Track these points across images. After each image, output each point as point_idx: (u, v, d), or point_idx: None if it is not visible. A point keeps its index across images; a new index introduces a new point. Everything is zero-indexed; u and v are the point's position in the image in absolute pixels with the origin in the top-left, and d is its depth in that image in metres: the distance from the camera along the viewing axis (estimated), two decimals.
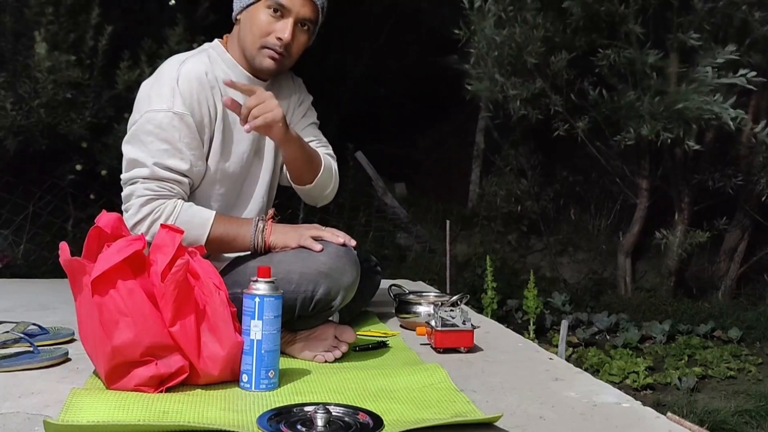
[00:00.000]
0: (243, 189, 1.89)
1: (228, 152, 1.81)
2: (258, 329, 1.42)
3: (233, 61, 1.82)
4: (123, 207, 1.72)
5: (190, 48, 2.21)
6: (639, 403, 1.47)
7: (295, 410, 1.29)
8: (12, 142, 3.82)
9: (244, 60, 1.81)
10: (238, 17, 1.81)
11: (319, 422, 1.22)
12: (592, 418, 1.37)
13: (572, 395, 1.51)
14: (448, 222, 3.86)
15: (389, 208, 5.89)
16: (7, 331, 1.72)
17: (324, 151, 1.98)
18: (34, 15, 3.78)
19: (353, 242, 1.75)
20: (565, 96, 4.58)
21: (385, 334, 2.02)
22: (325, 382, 1.52)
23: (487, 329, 2.16)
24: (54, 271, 3.49)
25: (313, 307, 1.64)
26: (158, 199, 1.68)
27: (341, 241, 1.72)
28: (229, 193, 1.85)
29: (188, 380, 1.43)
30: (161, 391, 1.39)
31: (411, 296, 2.21)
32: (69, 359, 1.63)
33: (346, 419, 1.26)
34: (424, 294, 2.27)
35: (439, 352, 1.83)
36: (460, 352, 1.83)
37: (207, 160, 1.78)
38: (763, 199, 4.47)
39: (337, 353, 1.71)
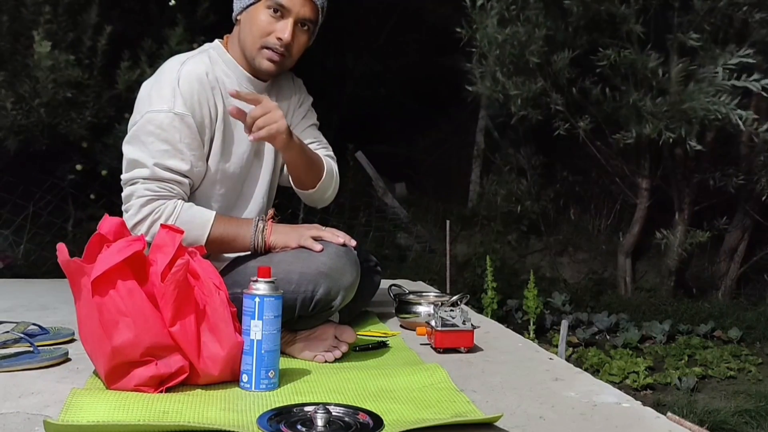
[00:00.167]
0: (243, 189, 1.89)
1: (228, 153, 1.81)
2: (258, 329, 1.42)
3: (233, 61, 1.82)
4: (123, 207, 1.72)
5: (190, 48, 2.21)
6: (639, 403, 1.47)
7: (295, 410, 1.29)
8: (12, 142, 3.83)
9: (244, 60, 1.81)
10: (238, 18, 1.81)
11: (319, 422, 1.22)
12: (592, 418, 1.37)
13: (572, 395, 1.51)
14: (448, 222, 3.86)
15: (389, 208, 5.89)
16: (7, 331, 1.72)
17: (324, 153, 1.98)
18: (32, 14, 3.78)
19: (353, 242, 1.75)
20: (566, 95, 4.58)
21: (385, 334, 2.02)
22: (325, 382, 1.52)
23: (487, 329, 2.16)
24: (54, 271, 3.49)
25: (313, 307, 1.64)
26: (158, 199, 1.68)
27: (341, 241, 1.72)
28: (229, 193, 1.85)
29: (188, 380, 1.43)
30: (161, 391, 1.39)
31: (411, 296, 2.21)
32: (69, 359, 1.63)
33: (346, 419, 1.26)
34: (424, 294, 2.27)
35: (439, 352, 1.83)
36: (460, 352, 1.83)
37: (207, 160, 1.78)
38: (764, 198, 4.47)
39: (337, 353, 1.71)
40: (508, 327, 2.33)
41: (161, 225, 1.51)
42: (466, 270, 5.00)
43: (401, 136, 6.79)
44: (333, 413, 1.26)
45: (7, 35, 3.81)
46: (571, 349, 3.83)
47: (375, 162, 6.01)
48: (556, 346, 3.53)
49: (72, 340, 1.81)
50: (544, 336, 4.12)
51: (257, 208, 1.91)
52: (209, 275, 1.46)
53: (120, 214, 1.68)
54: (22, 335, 1.67)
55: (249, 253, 1.76)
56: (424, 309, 2.09)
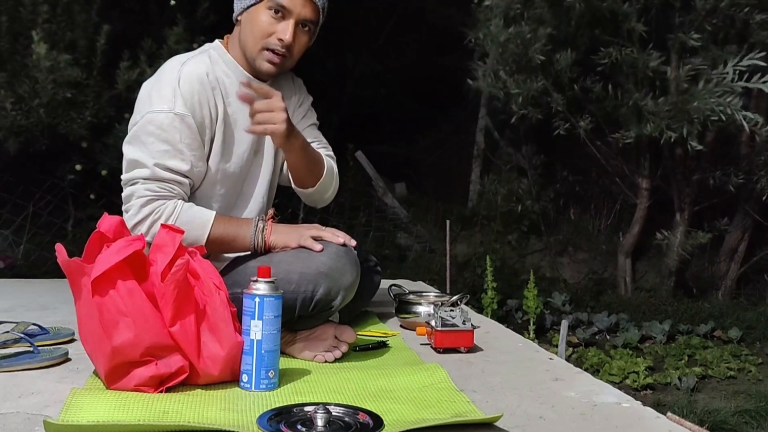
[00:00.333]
0: (243, 189, 1.89)
1: (229, 153, 1.81)
2: (258, 329, 1.42)
3: (234, 61, 1.82)
4: (123, 207, 1.72)
5: (190, 48, 2.21)
6: (639, 403, 1.47)
7: (295, 410, 1.29)
8: (12, 142, 3.83)
9: (244, 61, 1.81)
10: (238, 18, 1.81)
11: (319, 422, 1.22)
12: (592, 418, 1.37)
13: (572, 395, 1.51)
14: (448, 222, 3.86)
15: (389, 208, 5.89)
16: (7, 331, 1.72)
17: (324, 153, 1.98)
18: (30, 14, 3.78)
19: (353, 242, 1.75)
20: (567, 94, 4.58)
21: (385, 334, 2.02)
22: (325, 382, 1.52)
23: (487, 329, 2.16)
24: (54, 271, 3.48)
25: (313, 307, 1.64)
26: (158, 199, 1.68)
27: (341, 241, 1.72)
28: (229, 193, 1.85)
29: (188, 380, 1.43)
30: (161, 391, 1.39)
31: (411, 296, 2.21)
32: (69, 359, 1.63)
33: (346, 419, 1.26)
34: (424, 294, 2.27)
35: (439, 352, 1.83)
36: (460, 352, 1.83)
37: (208, 160, 1.78)
38: (764, 198, 4.47)
39: (337, 353, 1.71)
40: (508, 327, 2.33)
41: (161, 225, 1.51)
42: (466, 270, 5.00)
43: (401, 136, 6.79)
44: (333, 413, 1.26)
45: (6, 35, 3.81)
46: (571, 349, 3.83)
47: (375, 162, 6.01)
48: (556, 346, 3.53)
49: (72, 340, 1.81)
50: (544, 336, 4.12)
51: (257, 207, 1.91)
52: (209, 275, 1.46)
53: (120, 214, 1.67)
54: (22, 335, 1.67)
55: (249, 253, 1.76)
56: (424, 309, 2.08)
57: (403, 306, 2.14)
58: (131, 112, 1.76)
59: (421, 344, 1.90)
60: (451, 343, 1.83)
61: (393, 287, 2.31)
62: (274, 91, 1.69)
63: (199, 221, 1.70)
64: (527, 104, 4.57)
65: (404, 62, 6.76)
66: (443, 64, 6.33)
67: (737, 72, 3.89)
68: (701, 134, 4.24)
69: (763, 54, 3.86)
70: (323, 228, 1.76)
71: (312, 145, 1.95)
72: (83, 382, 1.46)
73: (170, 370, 1.39)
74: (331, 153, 2.02)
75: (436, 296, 2.23)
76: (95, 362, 1.44)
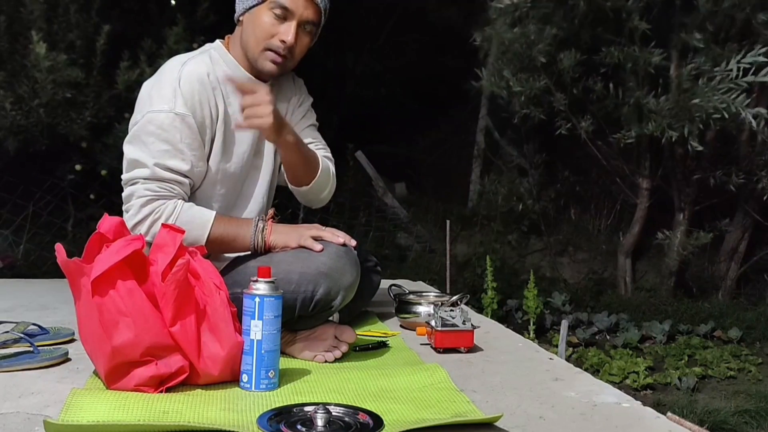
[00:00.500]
0: (243, 189, 1.89)
1: (229, 153, 1.81)
2: (258, 329, 1.42)
3: (235, 62, 1.82)
4: (123, 207, 1.72)
5: (189, 48, 2.21)
6: (639, 403, 1.47)
7: (295, 410, 1.29)
8: (12, 142, 3.82)
9: (245, 61, 1.81)
10: (240, 18, 1.81)
11: (319, 422, 1.22)
12: (592, 418, 1.37)
13: (572, 395, 1.51)
14: (448, 222, 3.86)
15: (389, 208, 5.89)
16: (7, 331, 1.72)
17: (322, 154, 1.98)
18: (30, 14, 3.78)
19: (353, 242, 1.75)
20: (569, 94, 4.58)
21: (385, 334, 2.02)
22: (325, 382, 1.52)
23: (487, 329, 2.16)
24: (54, 271, 3.48)
25: (313, 307, 1.64)
26: (158, 199, 1.68)
27: (341, 241, 1.72)
28: (229, 193, 1.85)
29: (188, 380, 1.43)
30: (161, 391, 1.39)
31: (411, 296, 2.21)
32: (69, 359, 1.63)
33: (346, 419, 1.26)
34: (424, 294, 2.27)
35: (439, 352, 1.83)
36: (460, 352, 1.83)
37: (208, 160, 1.78)
38: (765, 198, 4.47)
39: (337, 353, 1.71)
40: (508, 327, 2.33)
41: (162, 224, 1.51)
42: (466, 270, 5.00)
43: (401, 136, 6.79)
44: (333, 413, 1.26)
45: (6, 35, 3.81)
46: (571, 349, 3.83)
47: (375, 162, 6.01)
48: (556, 346, 3.53)
49: (72, 340, 1.81)
50: (544, 336, 4.12)
51: (257, 207, 1.91)
52: (209, 275, 1.46)
53: (120, 213, 1.68)
54: (22, 335, 1.67)
55: (249, 253, 1.76)
56: (424, 309, 2.08)
57: (403, 306, 2.14)
58: (131, 112, 1.76)
59: (421, 344, 1.90)
60: (451, 343, 1.83)
61: (393, 287, 2.31)
62: (260, 85, 1.69)
63: (199, 221, 1.70)
64: (530, 104, 4.57)
65: (404, 62, 6.77)
66: (443, 64, 6.34)
67: (741, 69, 3.89)
68: (702, 134, 4.24)
69: (765, 49, 3.86)
70: (323, 228, 1.76)
71: (310, 146, 1.95)
72: (83, 382, 1.46)
73: (170, 370, 1.39)
74: (329, 155, 2.02)
75: (436, 296, 2.23)
76: (95, 362, 1.44)
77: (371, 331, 2.06)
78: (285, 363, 1.58)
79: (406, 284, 2.61)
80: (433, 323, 1.86)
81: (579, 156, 5.52)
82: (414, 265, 5.09)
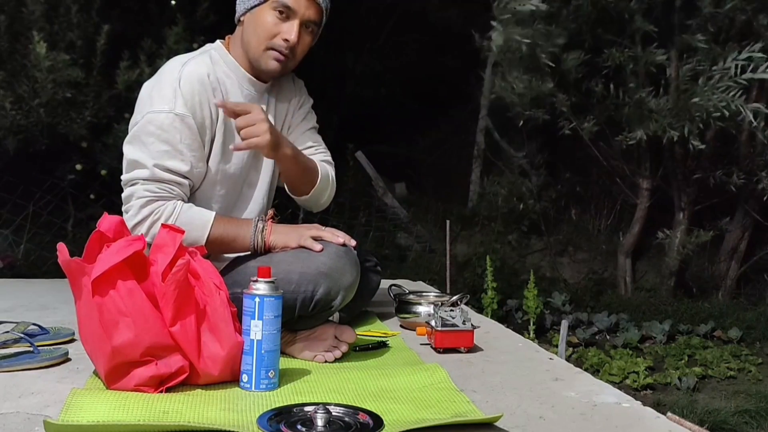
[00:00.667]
0: (243, 190, 1.89)
1: (229, 154, 1.81)
2: (258, 329, 1.42)
3: (235, 62, 1.82)
4: (123, 208, 1.72)
5: (189, 48, 2.21)
6: (639, 403, 1.47)
7: (295, 410, 1.29)
8: (12, 142, 3.82)
9: (246, 61, 1.81)
10: (241, 18, 1.80)
11: (319, 422, 1.22)
12: (592, 418, 1.37)
13: (572, 395, 1.51)
14: (448, 222, 3.86)
15: (389, 208, 5.89)
16: (7, 331, 1.72)
17: (322, 158, 1.98)
18: (30, 14, 3.78)
19: (353, 242, 1.75)
20: (572, 96, 4.58)
21: (385, 334, 2.02)
22: (325, 382, 1.52)
23: (487, 329, 2.16)
24: (54, 271, 3.49)
25: (313, 307, 1.64)
26: (158, 200, 1.68)
27: (341, 241, 1.72)
28: (229, 194, 1.85)
29: (188, 380, 1.43)
30: (161, 391, 1.39)
31: (411, 296, 2.21)
32: (69, 359, 1.63)
33: (346, 419, 1.26)
34: (424, 294, 2.27)
35: (439, 352, 1.83)
36: (460, 352, 1.83)
37: (208, 161, 1.78)
38: (765, 198, 4.47)
39: (337, 353, 1.71)
40: (508, 327, 2.33)
41: (162, 225, 1.51)
42: (466, 270, 5.00)
43: (401, 136, 6.79)
44: (333, 413, 1.26)
45: (6, 35, 3.81)
46: (571, 349, 3.83)
47: (375, 162, 6.01)
48: (556, 346, 3.53)
49: (72, 340, 1.81)
50: (544, 336, 4.12)
51: (257, 208, 1.91)
52: (209, 275, 1.46)
53: (120, 213, 1.68)
54: (22, 335, 1.67)
55: (249, 253, 1.76)
56: (424, 309, 2.08)
57: (403, 306, 2.14)
58: (131, 112, 1.76)
59: (421, 344, 1.90)
60: (451, 343, 1.83)
61: (393, 287, 2.31)
62: (252, 105, 1.69)
63: (198, 222, 1.70)
64: (533, 105, 4.57)
65: (404, 62, 6.77)
66: (443, 64, 6.34)
67: (738, 66, 3.89)
68: (702, 133, 4.24)
69: (761, 45, 3.87)
70: (323, 228, 1.76)
71: (310, 149, 1.95)
72: (83, 382, 1.46)
73: (170, 370, 1.39)
74: (329, 158, 2.01)
75: (436, 296, 2.23)
76: (95, 362, 1.44)
77: (371, 331, 2.06)
78: (285, 363, 1.58)
79: (406, 284, 2.61)
80: (433, 323, 1.86)
81: (579, 156, 5.52)
82: (414, 265, 5.09)
